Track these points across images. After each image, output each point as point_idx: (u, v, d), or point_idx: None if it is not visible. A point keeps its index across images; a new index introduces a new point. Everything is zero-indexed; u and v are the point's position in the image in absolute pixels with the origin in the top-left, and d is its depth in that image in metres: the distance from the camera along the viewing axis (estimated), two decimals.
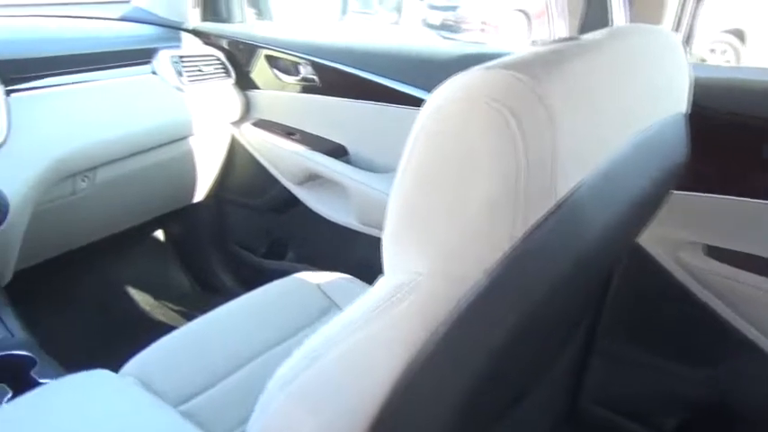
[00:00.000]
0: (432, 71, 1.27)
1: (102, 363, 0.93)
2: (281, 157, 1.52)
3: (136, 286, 1.83)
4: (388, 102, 1.33)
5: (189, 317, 1.81)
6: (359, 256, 1.50)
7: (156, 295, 1.84)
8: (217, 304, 1.83)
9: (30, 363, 1.02)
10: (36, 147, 1.16)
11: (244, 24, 1.64)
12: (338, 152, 1.46)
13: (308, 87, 1.47)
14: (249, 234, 1.80)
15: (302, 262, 1.67)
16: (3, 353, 1.02)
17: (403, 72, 1.31)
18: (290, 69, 1.50)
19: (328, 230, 1.49)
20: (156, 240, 1.90)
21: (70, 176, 1.26)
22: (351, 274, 1.46)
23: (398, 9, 9.48)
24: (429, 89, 1.14)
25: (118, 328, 1.73)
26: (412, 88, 1.29)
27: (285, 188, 1.56)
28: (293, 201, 1.56)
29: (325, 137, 1.48)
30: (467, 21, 7.69)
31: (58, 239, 1.38)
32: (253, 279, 1.82)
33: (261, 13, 1.70)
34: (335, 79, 1.42)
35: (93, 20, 1.55)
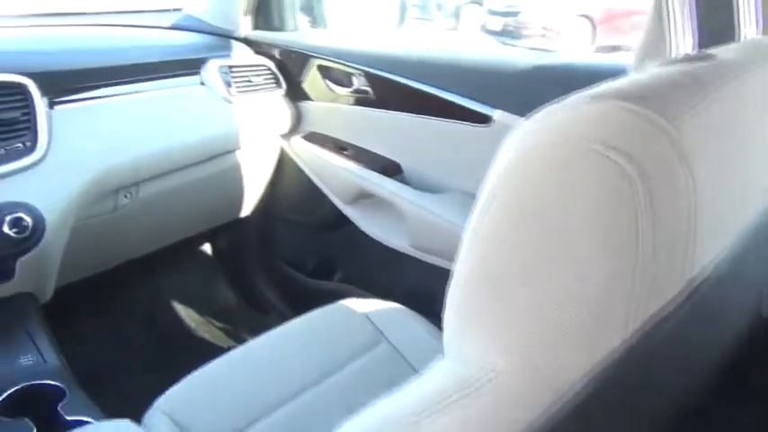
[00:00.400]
0: (498, 84, 1.16)
1: (142, 382, 0.88)
2: (332, 173, 1.43)
3: (181, 301, 1.78)
4: (447, 117, 1.22)
5: (233, 334, 1.76)
6: (410, 282, 1.39)
7: (201, 311, 1.79)
8: (262, 322, 1.79)
9: (58, 394, 0.96)
10: (77, 161, 1.10)
11: (296, 33, 1.56)
12: (392, 170, 1.35)
13: (362, 99, 1.38)
14: (297, 251, 1.72)
15: (350, 283, 1.58)
16: (31, 382, 0.96)
17: (464, 84, 1.19)
18: (343, 80, 1.41)
19: (379, 252, 1.39)
20: (203, 254, 1.85)
21: (112, 192, 1.21)
22: (401, 301, 1.36)
23: (456, 15, 9.36)
24: (494, 104, 1.02)
25: (161, 343, 1.69)
26: (474, 103, 1.17)
27: (335, 206, 1.47)
28: (343, 219, 1.47)
29: (379, 153, 1.39)
30: (528, 26, 7.49)
31: (99, 256, 1.33)
32: (299, 298, 1.75)
33: (314, 21, 1.62)
34: (391, 91, 1.32)
35: (144, 29, 1.51)
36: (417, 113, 1.28)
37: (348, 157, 1.41)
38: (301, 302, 1.74)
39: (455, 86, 1.20)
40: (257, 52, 1.52)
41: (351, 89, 1.40)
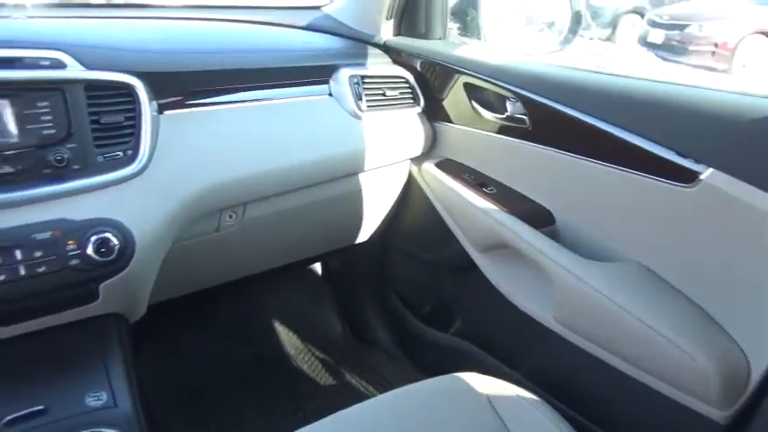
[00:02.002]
0: (710, 131, 0.86)
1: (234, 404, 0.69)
2: (465, 211, 1.20)
3: (284, 324, 1.66)
4: (629, 166, 0.94)
5: (332, 366, 1.60)
6: (546, 362, 1.13)
7: (304, 337, 1.65)
8: (365, 357, 1.62)
9: None
10: (181, 176, 0.97)
11: (444, 42, 1.34)
12: (541, 219, 1.09)
13: (515, 129, 1.13)
14: (412, 289, 1.51)
15: (469, 340, 1.34)
16: (93, 430, 0.84)
17: (660, 127, 0.91)
18: (494, 103, 1.17)
19: (511, 316, 1.14)
20: (312, 277, 1.71)
21: (216, 212, 1.07)
22: (530, 380, 1.11)
23: (613, 25, 8.71)
24: (703, 158, 0.72)
25: (257, 366, 1.58)
26: (672, 153, 0.88)
27: (464, 249, 1.24)
28: (471, 265, 1.23)
29: (528, 196, 1.13)
30: (695, 41, 6.73)
31: (197, 276, 1.21)
32: (409, 340, 1.54)
33: (467, 30, 1.39)
34: (553, 124, 1.06)
35: (276, 27, 1.37)
36: (585, 155, 1.01)
37: (488, 195, 1.17)
38: (410, 346, 1.55)
39: (646, 128, 0.92)
40: (395, 62, 1.32)
41: (502, 115, 1.16)
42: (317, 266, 1.75)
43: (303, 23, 1.41)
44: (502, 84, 1.12)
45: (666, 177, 0.88)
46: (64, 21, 1.17)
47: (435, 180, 1.28)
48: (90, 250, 0.84)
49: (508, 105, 1.14)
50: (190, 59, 1.07)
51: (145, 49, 1.01)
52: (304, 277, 1.73)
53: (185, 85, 1.02)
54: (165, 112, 0.98)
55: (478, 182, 1.21)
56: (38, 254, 0.82)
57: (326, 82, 1.21)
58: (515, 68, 1.11)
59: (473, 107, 1.21)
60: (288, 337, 1.64)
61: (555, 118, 1.04)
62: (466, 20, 1.40)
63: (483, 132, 1.21)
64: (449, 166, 1.28)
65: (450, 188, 1.23)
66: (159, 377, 1.41)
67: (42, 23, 1.09)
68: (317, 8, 1.48)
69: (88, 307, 0.93)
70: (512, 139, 1.14)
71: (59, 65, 0.87)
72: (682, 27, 6.70)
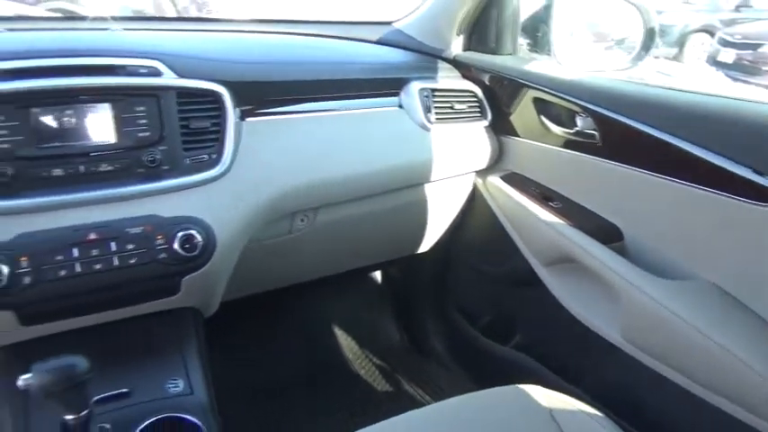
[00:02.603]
0: None
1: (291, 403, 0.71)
2: (530, 225, 1.20)
3: (344, 330, 1.69)
4: (703, 183, 0.93)
5: (390, 374, 1.62)
6: (613, 381, 1.11)
7: (362, 344, 1.68)
8: (422, 367, 1.63)
9: None
10: (260, 180, 1.02)
11: (513, 57, 1.36)
12: (609, 235, 1.09)
13: (585, 145, 1.13)
14: (473, 301, 1.52)
15: (529, 354, 1.33)
16: (173, 414, 0.89)
17: (739, 145, 0.89)
18: (564, 118, 1.18)
19: (574, 331, 1.13)
20: (372, 285, 1.74)
21: (289, 215, 1.12)
22: (595, 400, 1.09)
23: (680, 43, 8.45)
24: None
25: (316, 369, 1.61)
26: (751, 172, 0.87)
27: (527, 262, 1.24)
28: (535, 279, 1.23)
29: (595, 211, 1.13)
30: None
31: (266, 277, 1.26)
32: (467, 353, 1.55)
33: (537, 46, 1.41)
34: (625, 140, 1.05)
35: (349, 41, 1.42)
36: (657, 171, 1.00)
37: (554, 209, 1.17)
38: (469, 358, 1.55)
39: (721, 145, 0.90)
40: (465, 76, 1.34)
41: (571, 130, 1.16)
42: (377, 274, 1.78)
43: (374, 38, 1.46)
44: (573, 99, 1.12)
45: (742, 195, 0.87)
46: (158, 33, 1.26)
47: (500, 193, 1.29)
48: (176, 245, 0.90)
49: (578, 120, 1.14)
50: (270, 70, 1.12)
51: (230, 60, 1.07)
52: (364, 285, 1.76)
53: (265, 94, 1.08)
54: (247, 119, 1.04)
55: (544, 196, 1.21)
56: (130, 246, 0.88)
57: (397, 94, 1.25)
58: (587, 84, 1.12)
59: (541, 122, 1.22)
60: (347, 343, 1.68)
61: (626, 133, 1.03)
62: (536, 36, 1.41)
63: (550, 147, 1.21)
64: (514, 180, 1.29)
65: (515, 201, 1.24)
66: (223, 373, 1.47)
67: (139, 35, 1.18)
68: (388, 23, 1.52)
69: (170, 299, 0.98)
70: (580, 154, 1.14)
71: (156, 73, 0.94)
72: (755, 47, 6.45)
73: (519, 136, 1.30)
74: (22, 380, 0.71)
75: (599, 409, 0.94)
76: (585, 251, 1.07)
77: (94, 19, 1.20)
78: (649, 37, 1.19)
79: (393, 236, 1.38)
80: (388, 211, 1.27)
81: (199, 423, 0.88)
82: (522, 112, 1.27)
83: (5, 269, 0.79)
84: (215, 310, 1.12)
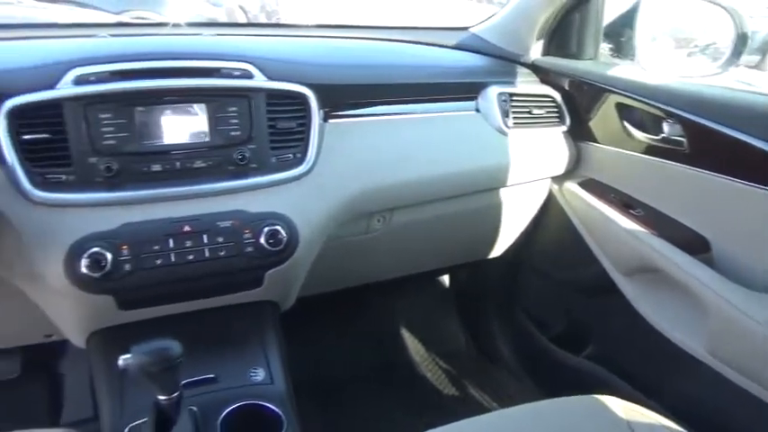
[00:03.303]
0: None
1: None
2: (609, 233, 1.18)
3: (412, 332, 1.71)
4: None
5: (456, 378, 1.62)
6: (695, 396, 1.07)
7: (429, 347, 1.69)
8: (488, 373, 1.62)
9: (277, 423, 0.90)
10: (340, 180, 1.05)
11: (594, 62, 1.34)
12: (695, 246, 1.05)
13: (671, 152, 1.10)
14: (543, 307, 1.50)
15: (602, 364, 1.30)
16: (255, 402, 0.92)
17: None
18: (648, 125, 1.15)
19: (654, 344, 1.10)
20: (440, 289, 1.74)
21: (366, 215, 1.15)
22: (675, 415, 1.05)
23: (763, 51, 8.02)
24: None
25: (382, 369, 1.63)
26: None
27: (605, 271, 1.21)
28: (611, 287, 1.20)
29: (681, 221, 1.09)
30: None
31: (340, 275, 1.29)
32: (535, 360, 1.52)
33: (619, 50, 1.38)
34: (716, 147, 1.02)
35: (426, 46, 1.44)
36: (751, 180, 0.96)
37: (635, 217, 1.14)
38: (537, 366, 1.53)
39: None
40: (543, 81, 1.33)
41: (657, 137, 1.13)
42: (445, 278, 1.78)
43: (452, 43, 1.47)
44: (660, 105, 1.09)
45: None
46: (247, 38, 1.31)
47: (578, 200, 1.27)
48: (262, 240, 0.94)
49: (664, 127, 1.11)
50: (352, 73, 1.16)
51: (315, 63, 1.11)
52: (432, 287, 1.77)
53: (347, 96, 1.11)
54: (329, 121, 1.07)
55: (625, 203, 1.18)
56: (220, 239, 0.92)
57: (474, 99, 1.25)
58: (676, 89, 1.09)
59: (624, 128, 1.19)
60: (413, 345, 1.69)
61: (717, 141, 1.00)
62: (620, 40, 1.38)
63: (633, 153, 1.18)
64: (593, 186, 1.26)
65: (593, 208, 1.21)
66: (294, 368, 1.51)
67: (230, 40, 1.24)
68: (465, 29, 1.53)
69: (252, 292, 1.02)
70: (666, 161, 1.11)
71: (248, 75, 0.98)
72: None
73: (598, 142, 1.27)
74: (122, 359, 0.76)
75: (679, 424, 0.91)
76: (670, 261, 1.04)
77: (189, 25, 1.27)
78: (741, 42, 1.15)
79: (466, 239, 1.38)
80: (462, 214, 1.28)
81: (279, 412, 0.91)
82: (604, 118, 1.24)
83: (109, 256, 0.85)
84: (291, 304, 1.16)
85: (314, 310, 1.37)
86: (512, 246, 1.46)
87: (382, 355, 1.65)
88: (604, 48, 1.37)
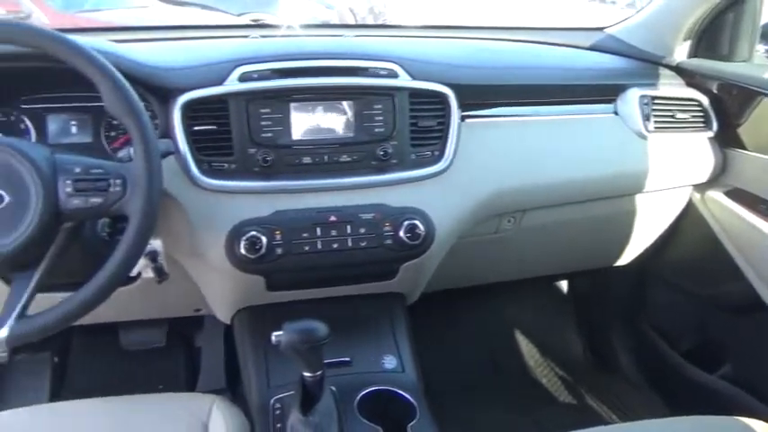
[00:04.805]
0: None
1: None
2: (760, 247, 1.10)
3: (525, 336, 1.68)
4: None
5: (572, 386, 1.58)
6: None
7: (544, 351, 1.66)
8: (606, 384, 1.56)
9: (410, 411, 0.93)
10: (476, 179, 1.07)
11: (748, 65, 1.25)
12: None
13: None
14: (673, 321, 1.43)
15: (741, 385, 1.22)
16: (390, 388, 0.96)
17: None
18: None
19: None
20: (557, 294, 1.71)
21: (498, 215, 1.15)
22: None
23: None
24: None
25: (499, 371, 1.62)
26: None
27: (751, 288, 1.14)
28: (759, 306, 1.13)
29: None
30: None
31: (465, 273, 1.30)
32: (662, 376, 1.46)
33: None
34: None
35: (561, 47, 1.41)
36: None
37: None
38: (664, 381, 1.46)
39: None
40: (689, 84, 1.27)
41: None
42: (563, 283, 1.74)
43: (586, 44, 1.44)
44: None
45: None
46: (388, 38, 1.36)
47: (723, 210, 1.20)
48: (402, 233, 0.97)
49: None
50: (490, 74, 1.16)
51: (455, 64, 1.13)
52: (549, 293, 1.74)
53: (484, 96, 1.12)
54: (466, 121, 1.09)
55: None
56: (362, 230, 0.97)
57: (612, 101, 1.22)
58: None
59: None
60: (528, 349, 1.67)
61: None
62: None
63: None
64: (741, 197, 1.19)
65: (742, 220, 1.14)
66: None
67: (372, 41, 1.29)
68: (600, 29, 1.49)
69: (386, 283, 1.07)
70: None
71: (393, 74, 1.02)
72: None
73: (748, 149, 1.19)
74: (275, 335, 0.81)
75: None
76: None
77: (331, 26, 1.34)
78: None
79: (595, 245, 1.35)
80: (594, 219, 1.25)
81: (412, 401, 0.94)
82: (756, 124, 1.17)
83: (264, 240, 0.92)
84: (416, 298, 1.19)
85: (433, 305, 1.39)
86: (641, 254, 1.41)
87: (496, 357, 1.64)
88: (760, 49, 1.28)
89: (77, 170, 0.74)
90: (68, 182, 0.73)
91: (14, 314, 0.72)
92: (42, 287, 0.75)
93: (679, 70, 1.29)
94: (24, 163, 0.71)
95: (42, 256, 0.75)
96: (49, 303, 0.75)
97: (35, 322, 0.73)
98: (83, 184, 0.74)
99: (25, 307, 0.73)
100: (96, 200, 0.74)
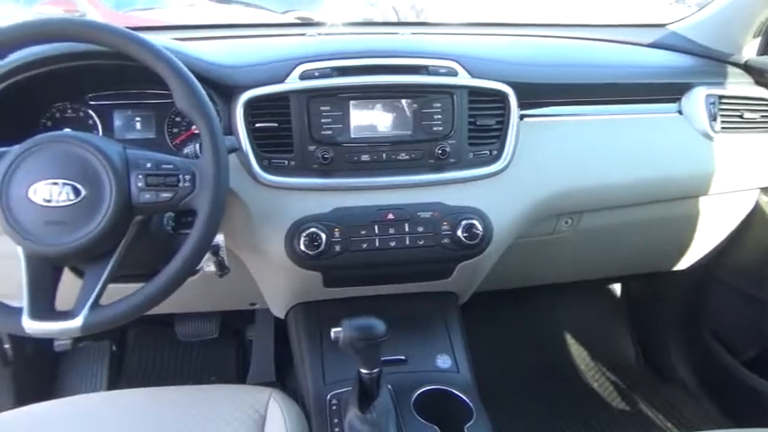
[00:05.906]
0: None
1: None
2: None
3: (576, 339, 1.65)
4: None
5: (624, 392, 1.54)
6: None
7: (594, 356, 1.63)
8: (659, 391, 1.52)
9: (466, 412, 0.92)
10: (534, 179, 1.05)
11: None
12: None
13: None
14: (735, 328, 1.38)
15: None
16: (446, 388, 0.95)
17: None
18: None
19: None
20: (610, 297, 1.67)
21: (555, 216, 1.13)
22: None
23: None
24: None
25: (550, 373, 1.60)
26: None
27: None
28: None
29: None
30: None
31: (519, 274, 1.29)
32: (722, 385, 1.41)
33: None
34: None
35: (621, 45, 1.38)
36: None
37: None
38: (724, 390, 1.41)
39: None
40: (758, 82, 1.22)
41: None
42: (616, 287, 1.71)
43: (647, 41, 1.40)
44: None
45: None
46: (445, 36, 1.35)
47: None
48: (459, 232, 0.96)
49: None
50: (549, 72, 1.14)
51: (515, 62, 1.11)
52: (602, 296, 1.70)
53: (544, 95, 1.10)
54: (525, 120, 1.07)
55: None
56: (420, 229, 0.97)
57: (676, 100, 1.18)
58: None
59: None
60: (579, 353, 1.64)
61: None
62: None
63: None
64: None
65: None
66: None
67: (433, 38, 1.28)
68: (662, 26, 1.44)
69: (441, 282, 1.06)
70: None
71: (453, 72, 1.01)
72: None
73: None
74: (334, 332, 0.82)
75: None
76: None
77: (387, 24, 1.34)
78: None
79: (654, 248, 1.31)
80: (654, 221, 1.22)
81: (468, 401, 0.93)
82: None
83: (323, 236, 0.92)
84: (468, 298, 1.18)
85: (476, 305, 1.38)
86: (704, 259, 1.36)
87: (547, 358, 1.62)
88: None
89: (148, 165, 0.76)
90: (140, 177, 0.75)
91: (89, 304, 0.74)
92: (113, 278, 0.78)
93: (747, 68, 1.24)
94: (100, 158, 0.74)
95: (114, 248, 0.77)
96: (116, 294, 0.77)
97: (108, 312, 0.75)
98: (154, 179, 0.76)
99: (98, 297, 0.76)
100: (166, 194, 0.76)
